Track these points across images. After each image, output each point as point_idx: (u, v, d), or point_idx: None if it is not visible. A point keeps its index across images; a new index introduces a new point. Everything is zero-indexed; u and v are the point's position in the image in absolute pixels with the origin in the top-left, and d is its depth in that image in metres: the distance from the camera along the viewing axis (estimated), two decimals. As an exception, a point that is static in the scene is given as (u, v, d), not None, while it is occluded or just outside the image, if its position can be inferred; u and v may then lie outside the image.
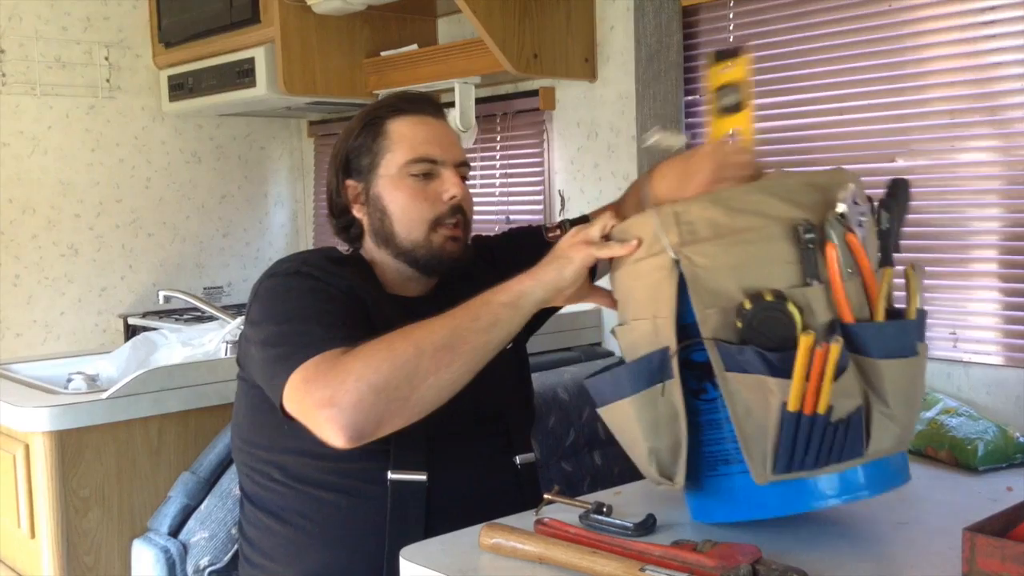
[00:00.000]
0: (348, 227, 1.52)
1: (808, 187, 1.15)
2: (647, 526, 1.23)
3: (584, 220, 1.66)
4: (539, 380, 2.06)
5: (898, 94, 1.95)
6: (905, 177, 1.22)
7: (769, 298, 1.10)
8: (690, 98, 2.31)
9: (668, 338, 1.15)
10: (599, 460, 2.10)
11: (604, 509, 1.27)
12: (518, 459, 1.52)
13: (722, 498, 1.20)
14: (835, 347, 1.06)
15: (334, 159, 1.52)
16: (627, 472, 2.08)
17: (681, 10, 2.25)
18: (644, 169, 2.34)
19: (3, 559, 1.94)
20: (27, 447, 1.80)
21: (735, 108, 1.42)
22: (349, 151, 1.49)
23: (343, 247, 1.57)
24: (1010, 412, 1.74)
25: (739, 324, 1.10)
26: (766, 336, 1.09)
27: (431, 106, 1.52)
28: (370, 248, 1.52)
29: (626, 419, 1.20)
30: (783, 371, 1.08)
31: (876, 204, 1.19)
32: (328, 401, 1.21)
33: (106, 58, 3.16)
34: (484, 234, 1.73)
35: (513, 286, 1.26)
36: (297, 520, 1.42)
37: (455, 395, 1.35)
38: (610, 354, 2.44)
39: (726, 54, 1.44)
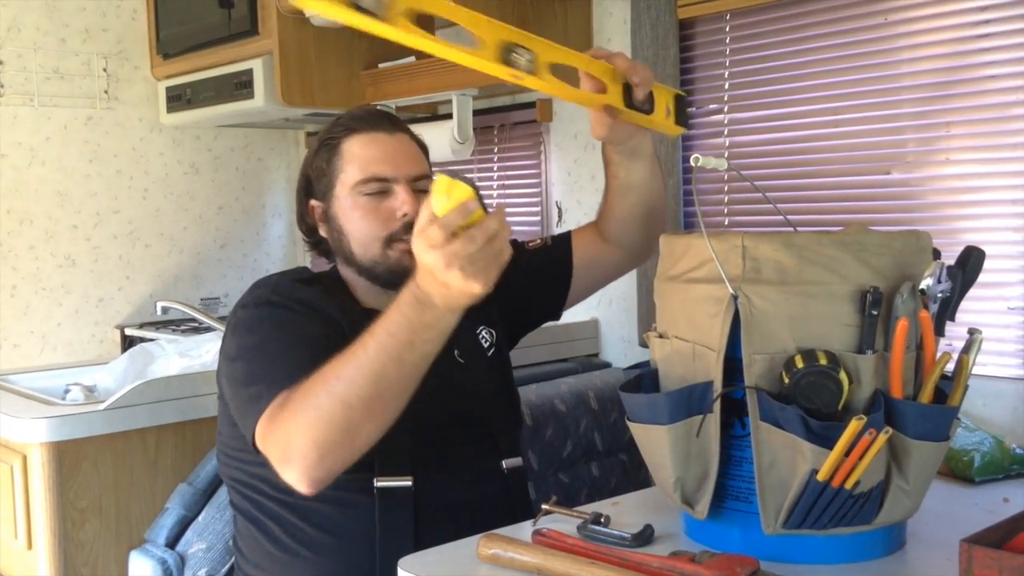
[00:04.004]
0: (319, 244, 1.54)
1: (883, 249, 1.12)
2: (645, 537, 1.23)
3: (567, 238, 1.67)
4: (536, 391, 2.06)
5: (894, 106, 1.96)
6: (982, 248, 1.19)
7: (823, 361, 1.08)
8: (687, 110, 2.32)
9: (714, 374, 1.14)
10: (596, 471, 2.10)
11: (602, 520, 1.27)
12: (505, 464, 1.53)
13: (722, 528, 1.20)
14: (883, 438, 1.05)
15: (299, 180, 1.54)
16: (624, 483, 2.09)
17: (677, 23, 2.26)
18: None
19: (0, 571, 1.94)
20: (24, 458, 1.80)
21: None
22: (310, 172, 1.51)
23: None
24: (1007, 423, 1.74)
25: (786, 379, 1.09)
26: (810, 399, 1.08)
27: (386, 122, 1.51)
28: (340, 265, 1.53)
29: (658, 444, 1.19)
30: (821, 439, 1.06)
31: (943, 268, 1.15)
32: (283, 459, 1.24)
33: (104, 69, 3.17)
34: None
35: (432, 322, 1.16)
36: (287, 531, 1.42)
37: (436, 400, 1.37)
38: (607, 365, 2.44)
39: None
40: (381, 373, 1.18)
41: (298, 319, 1.39)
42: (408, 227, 1.45)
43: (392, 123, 1.52)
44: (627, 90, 1.37)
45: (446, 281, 1.10)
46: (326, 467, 1.23)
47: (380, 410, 1.20)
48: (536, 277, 1.66)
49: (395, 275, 1.47)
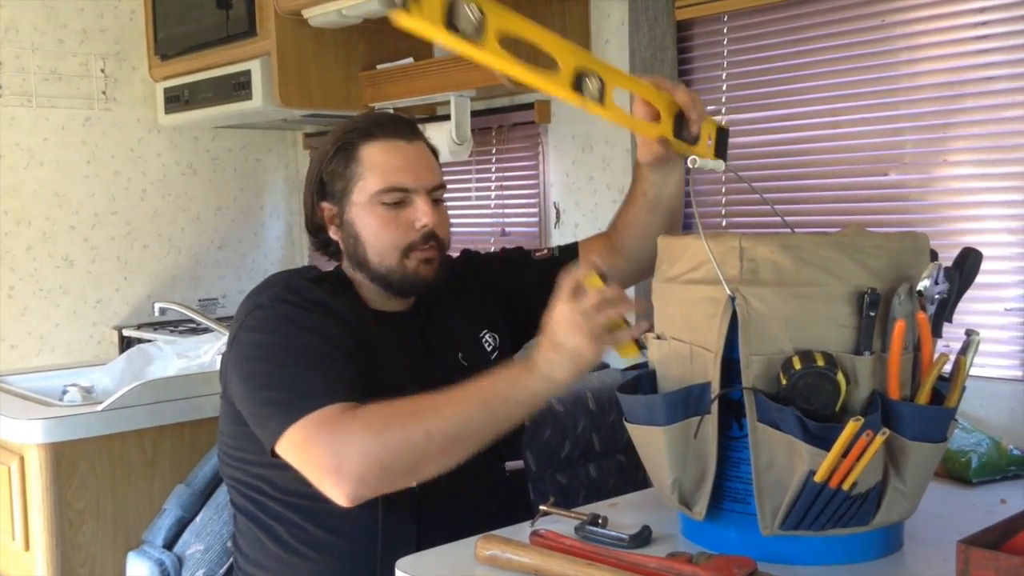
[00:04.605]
0: (327, 245, 1.53)
1: (881, 250, 1.12)
2: (642, 538, 1.23)
3: (573, 250, 1.67)
4: (534, 392, 2.06)
5: (891, 108, 1.96)
6: (979, 250, 1.20)
7: (820, 363, 1.08)
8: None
9: (711, 375, 1.14)
10: (594, 472, 2.10)
11: (599, 521, 1.27)
12: (507, 466, 1.53)
13: (719, 528, 1.20)
14: (880, 439, 1.05)
15: (309, 180, 1.52)
16: (622, 484, 2.09)
17: (675, 24, 2.26)
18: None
19: (-3, 572, 1.94)
20: (22, 459, 1.80)
21: (481, 20, 1.17)
22: (323, 174, 1.49)
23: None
24: (1004, 425, 1.74)
25: (783, 380, 1.09)
26: (807, 399, 1.08)
27: (405, 128, 1.50)
28: (348, 267, 1.53)
29: (655, 445, 1.19)
30: (818, 440, 1.06)
31: (941, 269, 1.15)
32: (334, 468, 1.25)
33: (102, 70, 3.17)
34: (475, 250, 1.74)
35: (529, 384, 1.24)
36: (290, 531, 1.42)
37: None
38: (605, 366, 2.44)
39: None
40: (470, 415, 1.25)
41: (317, 321, 1.39)
42: (426, 238, 1.46)
43: (411, 130, 1.51)
44: (678, 120, 1.41)
45: (562, 339, 1.21)
46: (378, 487, 1.27)
47: (454, 451, 1.26)
48: (542, 287, 1.66)
49: (410, 284, 1.47)
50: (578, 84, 1.27)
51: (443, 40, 1.15)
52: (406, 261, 1.45)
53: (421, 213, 1.45)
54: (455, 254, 1.61)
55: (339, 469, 1.24)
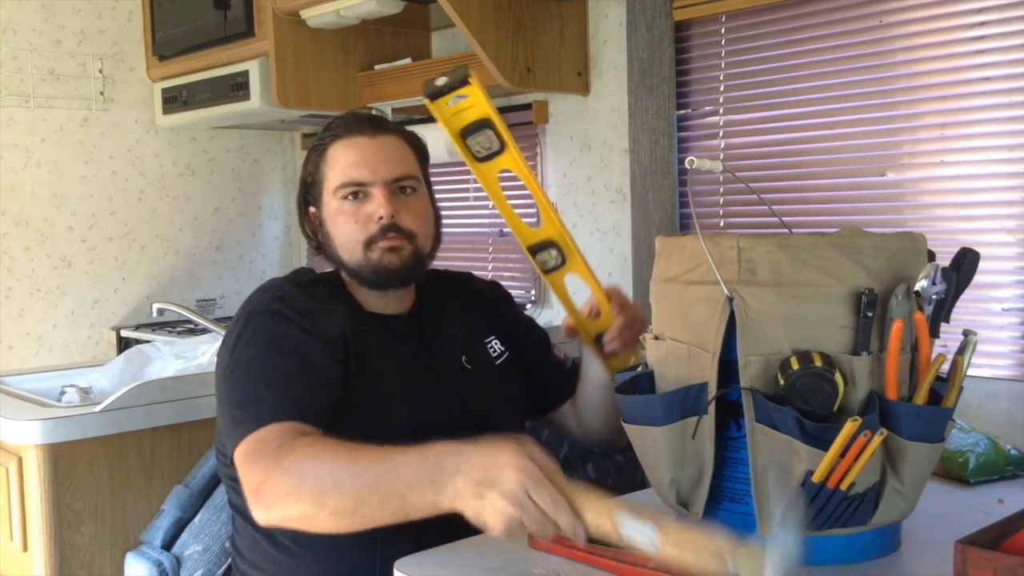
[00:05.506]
0: (320, 247, 1.55)
1: (878, 251, 1.12)
2: (640, 538, 1.23)
3: (575, 366, 1.67)
4: (532, 393, 2.06)
5: (889, 108, 1.97)
6: (976, 250, 1.20)
7: (818, 363, 1.08)
8: (682, 112, 2.32)
9: (709, 376, 1.14)
10: (593, 472, 2.10)
11: (598, 522, 1.27)
12: None
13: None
14: (878, 439, 1.06)
15: (299, 186, 1.56)
16: (621, 484, 2.09)
17: (673, 25, 2.27)
18: (636, 183, 2.36)
19: (-5, 573, 1.94)
20: (20, 460, 1.80)
21: (496, 152, 1.35)
22: (306, 178, 1.52)
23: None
24: (1001, 425, 1.74)
25: (781, 380, 1.09)
26: (805, 400, 1.08)
27: (367, 125, 1.50)
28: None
29: (653, 445, 1.20)
30: (816, 440, 1.07)
31: (938, 270, 1.15)
32: (255, 490, 1.25)
33: (100, 71, 3.17)
34: (513, 294, 1.75)
35: (436, 496, 1.09)
36: (286, 532, 1.42)
37: (440, 402, 1.45)
38: (603, 367, 2.44)
39: (449, 85, 1.30)
40: (367, 496, 1.15)
41: (295, 334, 1.39)
42: (385, 230, 1.46)
43: (375, 126, 1.51)
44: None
45: (490, 495, 1.04)
46: (289, 522, 1.24)
47: (344, 524, 1.18)
48: (534, 381, 1.65)
49: (378, 276, 1.47)
50: (541, 247, 1.44)
51: (452, 142, 1.31)
52: (369, 253, 1.46)
53: (376, 205, 1.46)
54: (455, 254, 1.61)
55: (258, 492, 1.24)
